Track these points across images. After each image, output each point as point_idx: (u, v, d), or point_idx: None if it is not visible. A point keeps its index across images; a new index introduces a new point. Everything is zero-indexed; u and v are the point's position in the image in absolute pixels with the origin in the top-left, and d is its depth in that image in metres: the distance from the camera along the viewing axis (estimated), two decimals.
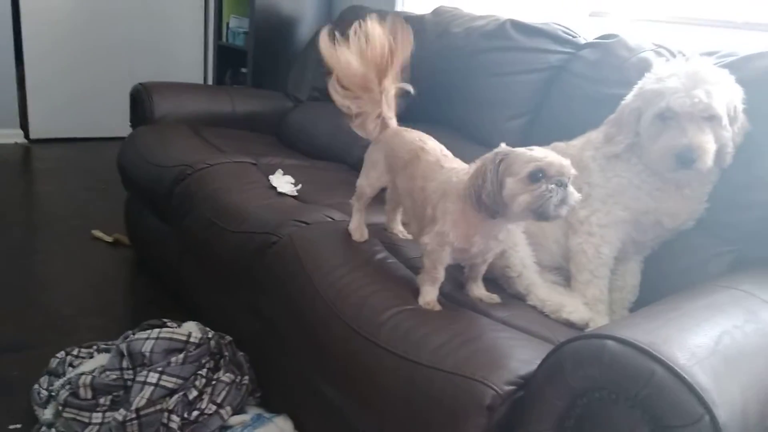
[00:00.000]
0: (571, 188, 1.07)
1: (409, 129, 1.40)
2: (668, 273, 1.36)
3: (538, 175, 1.05)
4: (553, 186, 1.05)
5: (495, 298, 1.29)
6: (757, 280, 1.11)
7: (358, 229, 1.45)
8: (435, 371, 1.01)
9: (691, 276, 1.30)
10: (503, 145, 1.13)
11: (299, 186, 1.86)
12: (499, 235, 1.18)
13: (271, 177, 1.90)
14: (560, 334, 1.16)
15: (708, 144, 1.19)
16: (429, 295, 1.20)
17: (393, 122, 1.44)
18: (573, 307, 1.25)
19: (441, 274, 1.21)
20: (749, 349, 0.87)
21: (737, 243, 1.30)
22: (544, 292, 1.29)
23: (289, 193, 1.81)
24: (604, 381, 0.81)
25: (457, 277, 1.32)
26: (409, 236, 1.47)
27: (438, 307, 1.19)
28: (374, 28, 1.37)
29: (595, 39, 1.79)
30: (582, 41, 1.83)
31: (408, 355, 1.06)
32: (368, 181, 1.45)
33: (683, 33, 1.90)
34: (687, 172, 1.22)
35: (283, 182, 1.87)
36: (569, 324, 1.24)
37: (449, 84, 2.02)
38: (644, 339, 0.80)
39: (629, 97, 1.34)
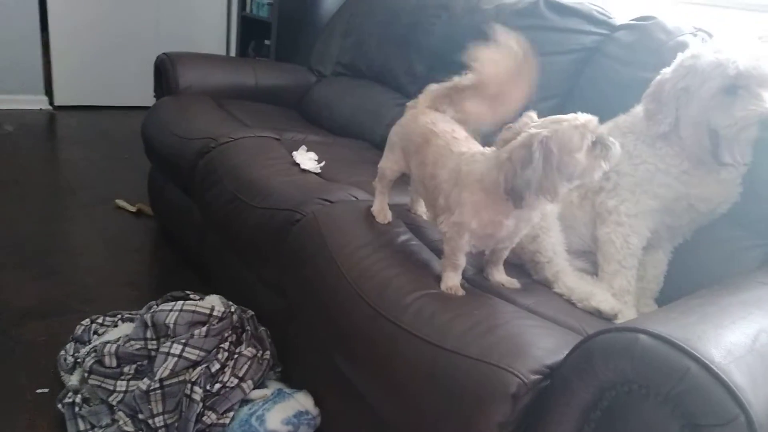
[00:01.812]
0: (612, 138, 1.08)
1: (428, 110, 1.35)
2: (694, 265, 1.34)
3: (596, 141, 1.05)
4: (611, 143, 1.06)
5: (515, 283, 1.27)
6: None
7: (381, 211, 1.43)
8: (459, 357, 1.00)
9: (717, 269, 1.28)
10: (533, 115, 1.10)
11: (323, 163, 1.85)
12: (532, 216, 1.16)
13: (294, 153, 1.89)
14: (587, 324, 1.15)
15: None
16: (451, 281, 1.19)
17: (421, 105, 1.38)
18: (603, 296, 1.23)
19: (462, 260, 1.19)
20: None
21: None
22: (572, 279, 1.28)
23: (313, 170, 1.80)
24: (635, 375, 0.80)
25: (480, 261, 1.31)
26: None
27: (461, 292, 1.18)
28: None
29: (632, 20, 1.74)
30: (617, 22, 1.77)
31: (432, 339, 1.05)
32: (388, 163, 1.43)
33: (723, 16, 1.84)
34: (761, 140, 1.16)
35: (307, 159, 1.86)
36: (597, 313, 1.22)
37: None
38: (679, 335, 0.79)
39: (669, 74, 1.27)
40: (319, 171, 1.80)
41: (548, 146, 1.03)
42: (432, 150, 1.25)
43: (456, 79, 1.30)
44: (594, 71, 1.71)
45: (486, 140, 1.27)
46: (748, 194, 1.28)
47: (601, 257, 1.33)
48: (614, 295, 1.27)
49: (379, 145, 2.17)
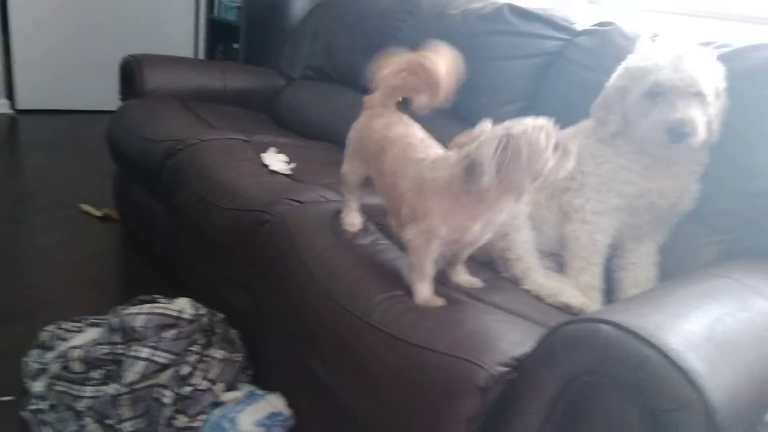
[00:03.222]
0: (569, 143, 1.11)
1: (383, 110, 1.32)
2: (663, 261, 1.38)
3: (557, 144, 1.07)
4: (570, 148, 1.08)
5: (476, 282, 1.27)
6: (748, 269, 1.13)
7: (347, 218, 1.40)
8: (428, 352, 1.02)
9: (683, 264, 1.32)
10: (488, 124, 1.10)
11: (292, 165, 1.86)
12: (497, 218, 1.16)
13: (263, 155, 1.89)
14: (553, 318, 1.17)
15: (699, 118, 1.21)
16: (424, 293, 1.16)
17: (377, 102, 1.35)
18: (571, 292, 1.27)
19: (431, 270, 1.17)
20: (741, 337, 0.89)
21: (729, 233, 1.31)
22: (541, 277, 1.31)
23: (282, 171, 1.80)
24: (598, 365, 0.83)
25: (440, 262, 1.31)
26: None
27: (439, 302, 1.15)
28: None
29: (592, 26, 1.78)
30: (579, 28, 1.82)
31: (401, 335, 1.07)
32: (349, 168, 1.39)
33: (680, 23, 1.91)
34: (678, 146, 1.23)
35: (276, 160, 1.86)
36: (566, 308, 1.25)
37: None
38: (638, 324, 0.82)
39: (613, 77, 1.35)
40: (288, 172, 1.81)
41: (518, 144, 1.04)
42: (389, 159, 1.24)
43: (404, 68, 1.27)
44: (557, 76, 1.75)
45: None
46: (709, 192, 1.32)
47: (567, 254, 1.36)
48: (581, 291, 1.30)
49: None
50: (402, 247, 1.34)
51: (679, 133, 1.21)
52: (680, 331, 0.83)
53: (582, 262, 1.33)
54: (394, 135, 1.26)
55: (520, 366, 0.96)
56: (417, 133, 1.27)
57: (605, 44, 1.66)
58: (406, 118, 1.31)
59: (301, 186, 1.68)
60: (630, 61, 1.32)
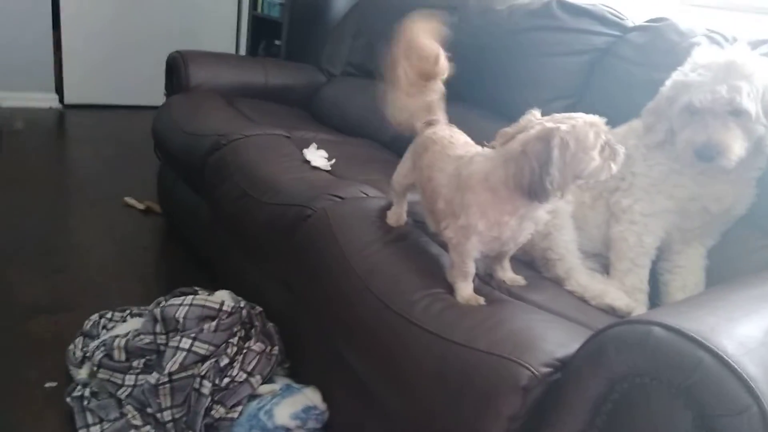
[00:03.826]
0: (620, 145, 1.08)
1: (435, 122, 1.35)
2: (713, 264, 1.33)
3: (606, 143, 1.05)
4: (619, 148, 1.06)
5: (520, 280, 1.26)
6: None
7: (394, 215, 1.41)
8: (469, 350, 1.00)
9: (733, 268, 1.28)
10: (537, 113, 1.09)
11: (333, 161, 1.86)
12: (536, 215, 1.14)
13: (305, 150, 1.90)
14: (597, 320, 1.15)
15: (733, 141, 1.16)
16: (465, 291, 1.15)
17: (438, 121, 1.37)
18: (616, 294, 1.23)
19: (471, 268, 1.16)
20: None
21: None
22: (585, 277, 1.28)
23: (323, 167, 1.81)
24: (648, 367, 0.80)
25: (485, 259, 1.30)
26: None
27: (481, 300, 1.14)
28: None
29: (644, 22, 1.74)
30: (630, 24, 1.78)
31: (441, 333, 1.05)
32: (398, 176, 1.41)
33: (736, 19, 1.84)
34: (710, 165, 1.20)
35: (317, 156, 1.87)
36: (611, 310, 1.22)
37: (490, 63, 1.99)
38: (692, 327, 0.79)
39: (667, 85, 1.31)
40: (329, 168, 1.81)
41: (566, 141, 1.02)
42: (429, 155, 1.26)
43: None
44: (605, 73, 1.71)
45: None
46: (764, 194, 1.28)
47: (613, 255, 1.33)
48: (626, 293, 1.26)
49: (388, 145, 2.18)
50: (442, 244, 1.33)
51: (705, 155, 1.19)
52: (735, 335, 0.80)
53: (628, 263, 1.30)
54: (438, 136, 1.29)
55: (564, 367, 0.93)
56: (461, 136, 1.29)
57: (657, 40, 1.62)
58: (454, 127, 1.33)
59: (342, 182, 1.68)
60: (679, 72, 1.28)
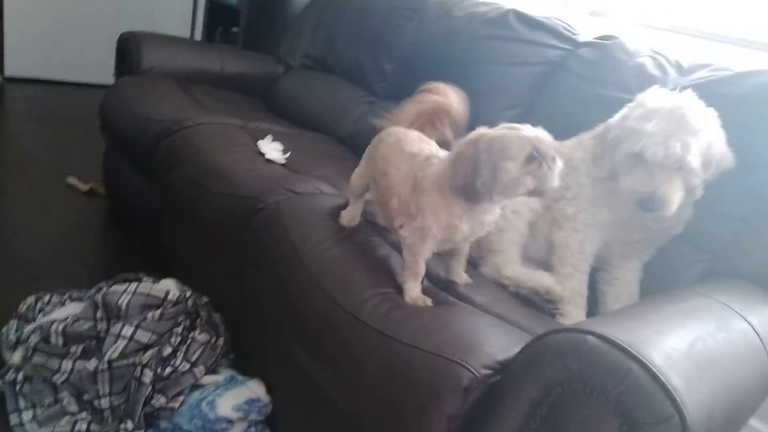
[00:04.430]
0: (558, 161, 1.07)
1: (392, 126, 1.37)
2: (648, 276, 1.41)
3: (534, 155, 1.04)
4: (549, 164, 1.05)
5: (469, 280, 1.30)
6: (729, 290, 1.16)
7: (348, 215, 1.42)
8: (414, 350, 1.03)
9: (665, 281, 1.35)
10: (482, 129, 1.11)
11: (288, 154, 1.86)
12: (484, 218, 1.17)
13: (259, 142, 1.89)
14: (537, 325, 1.20)
15: (674, 194, 1.20)
16: (413, 291, 1.18)
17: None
18: (552, 279, 1.31)
19: (422, 268, 1.19)
20: (719, 356, 0.92)
21: (714, 253, 1.34)
22: (521, 267, 1.34)
23: (277, 160, 1.80)
24: (581, 374, 0.85)
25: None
26: None
27: (428, 301, 1.17)
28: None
29: (595, 39, 1.81)
30: (581, 39, 1.84)
31: (388, 332, 1.08)
32: (355, 177, 1.42)
33: (680, 42, 1.93)
34: (649, 214, 1.23)
35: (272, 149, 1.86)
36: (546, 293, 1.30)
37: (446, 68, 2.02)
38: (624, 337, 0.84)
39: (616, 119, 1.31)
40: (283, 162, 1.81)
41: (488, 147, 1.05)
42: (383, 148, 1.29)
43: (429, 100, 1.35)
44: (557, 85, 1.77)
45: None
46: (699, 213, 1.34)
47: (555, 260, 1.38)
48: (567, 297, 1.32)
49: (344, 140, 2.19)
50: (393, 245, 1.36)
51: (648, 206, 1.21)
52: (663, 347, 0.85)
53: (570, 268, 1.35)
54: (392, 131, 1.31)
55: (504, 370, 0.98)
56: (414, 133, 1.31)
57: (607, 58, 1.69)
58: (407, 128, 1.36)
59: (297, 176, 1.68)
60: (630, 111, 1.27)
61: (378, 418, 1.06)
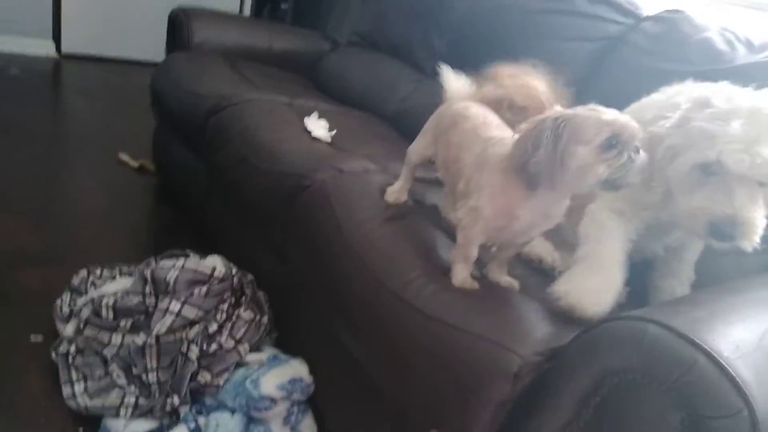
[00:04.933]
0: (642, 152, 0.94)
1: (470, 102, 1.28)
2: (701, 267, 1.30)
3: (612, 142, 0.93)
4: (631, 154, 0.93)
5: (515, 284, 1.17)
6: None
7: (395, 192, 1.38)
8: (461, 333, 1.00)
9: (723, 272, 1.26)
10: (559, 107, 1.02)
11: (334, 132, 1.83)
12: (550, 210, 1.05)
13: (306, 119, 1.87)
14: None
15: (759, 219, 0.93)
16: (461, 274, 1.11)
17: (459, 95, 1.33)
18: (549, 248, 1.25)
19: (474, 252, 1.12)
20: None
21: None
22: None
23: (323, 138, 1.78)
24: (640, 364, 0.80)
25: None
26: None
27: (475, 285, 1.11)
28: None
29: (660, 12, 1.71)
30: (644, 13, 1.75)
31: (436, 314, 1.05)
32: (416, 147, 1.37)
33: (752, 18, 1.82)
34: (722, 244, 0.96)
35: (318, 126, 1.84)
36: (539, 261, 1.26)
37: (497, 44, 1.95)
38: (688, 327, 0.79)
39: (668, 125, 1.03)
40: (329, 140, 1.78)
41: (559, 129, 0.94)
42: (458, 132, 1.20)
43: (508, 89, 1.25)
44: (616, 61, 1.69)
45: None
46: None
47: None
48: (559, 267, 1.24)
49: (391, 120, 2.16)
50: (444, 228, 1.32)
51: (724, 233, 0.93)
52: (731, 337, 0.80)
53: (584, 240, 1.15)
54: (471, 113, 1.22)
55: (555, 357, 0.94)
56: (495, 118, 1.22)
57: (671, 32, 1.60)
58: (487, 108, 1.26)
59: (343, 154, 1.66)
60: (692, 112, 1.00)
61: (423, 402, 1.04)
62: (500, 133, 1.16)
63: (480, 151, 1.13)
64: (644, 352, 0.80)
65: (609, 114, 0.95)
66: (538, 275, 1.26)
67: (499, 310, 1.04)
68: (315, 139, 1.76)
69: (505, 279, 1.18)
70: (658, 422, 0.79)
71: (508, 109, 1.25)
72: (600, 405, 0.86)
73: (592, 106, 0.98)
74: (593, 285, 1.05)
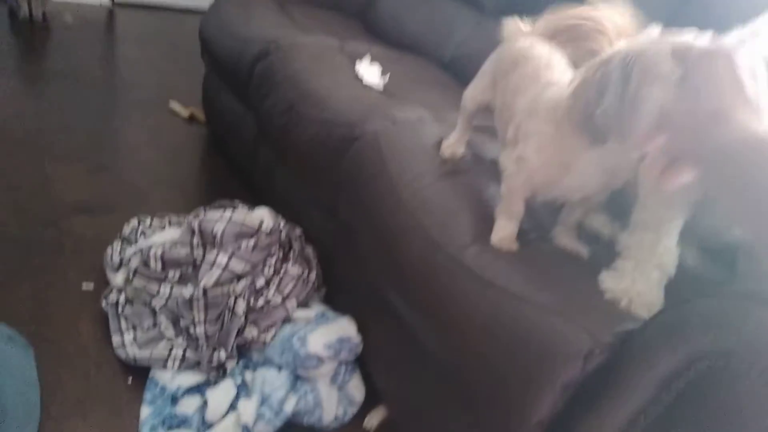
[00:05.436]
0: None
1: (534, 38, 1.13)
2: None
3: None
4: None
5: (583, 251, 1.06)
6: None
7: (452, 145, 1.27)
8: (527, 304, 0.91)
9: None
10: (623, 43, 0.85)
11: (386, 78, 1.72)
12: (615, 165, 0.91)
13: (357, 64, 1.76)
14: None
15: None
16: (502, 231, 1.01)
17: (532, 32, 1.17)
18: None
19: (519, 207, 1.01)
20: None
21: None
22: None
23: (376, 85, 1.67)
24: (739, 348, 0.69)
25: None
26: None
27: (514, 246, 1.01)
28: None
29: None
30: None
31: (496, 281, 0.96)
32: (472, 92, 1.24)
33: None
34: None
35: (370, 71, 1.73)
36: None
37: None
38: None
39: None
40: (382, 87, 1.68)
41: (624, 66, 0.77)
42: (516, 75, 1.07)
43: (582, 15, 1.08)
44: None
45: None
46: None
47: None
48: None
49: (447, 66, 2.02)
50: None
51: None
52: None
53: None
54: (535, 53, 1.08)
55: (635, 336, 0.83)
56: (562, 60, 1.07)
57: None
58: (554, 46, 1.10)
59: (396, 103, 1.55)
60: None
61: (479, 375, 0.95)
62: (563, 76, 1.01)
63: (534, 95, 1.00)
64: (745, 336, 0.69)
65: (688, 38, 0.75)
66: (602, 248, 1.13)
67: (566, 282, 0.94)
68: (366, 86, 1.66)
69: (572, 244, 1.07)
70: (759, 413, 0.69)
71: (574, 41, 1.09)
72: (684, 390, 0.76)
73: (667, 31, 0.79)
74: (643, 288, 0.92)
